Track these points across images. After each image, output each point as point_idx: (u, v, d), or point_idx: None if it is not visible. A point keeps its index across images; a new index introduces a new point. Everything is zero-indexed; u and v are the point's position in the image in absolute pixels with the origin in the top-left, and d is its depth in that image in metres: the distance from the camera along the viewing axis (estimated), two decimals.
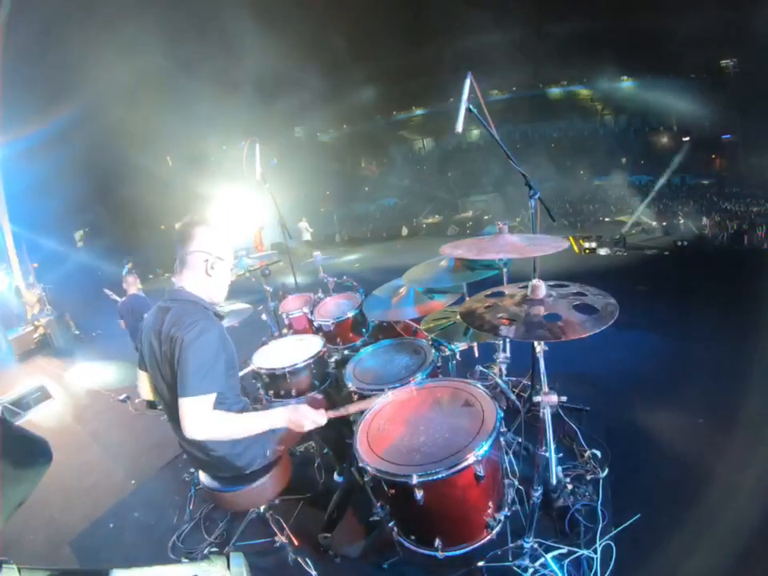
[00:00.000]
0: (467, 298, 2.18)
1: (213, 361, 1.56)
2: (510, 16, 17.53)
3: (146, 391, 1.86)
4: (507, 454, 1.86)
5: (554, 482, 2.06)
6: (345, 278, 3.70)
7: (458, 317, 2.41)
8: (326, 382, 2.64)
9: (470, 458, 1.48)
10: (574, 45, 18.19)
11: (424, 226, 16.43)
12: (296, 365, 2.48)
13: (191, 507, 2.54)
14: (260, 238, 12.95)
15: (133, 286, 4.75)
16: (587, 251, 8.58)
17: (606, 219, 13.84)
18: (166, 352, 1.59)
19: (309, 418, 1.68)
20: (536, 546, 1.76)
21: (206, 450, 1.70)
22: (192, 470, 2.65)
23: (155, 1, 11.95)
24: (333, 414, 1.77)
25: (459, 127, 1.90)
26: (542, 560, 1.74)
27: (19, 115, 9.49)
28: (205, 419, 1.52)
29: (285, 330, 3.47)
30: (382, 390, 2.02)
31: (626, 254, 8.33)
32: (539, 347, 1.81)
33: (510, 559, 1.76)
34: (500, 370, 2.36)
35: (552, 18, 18.74)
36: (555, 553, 1.79)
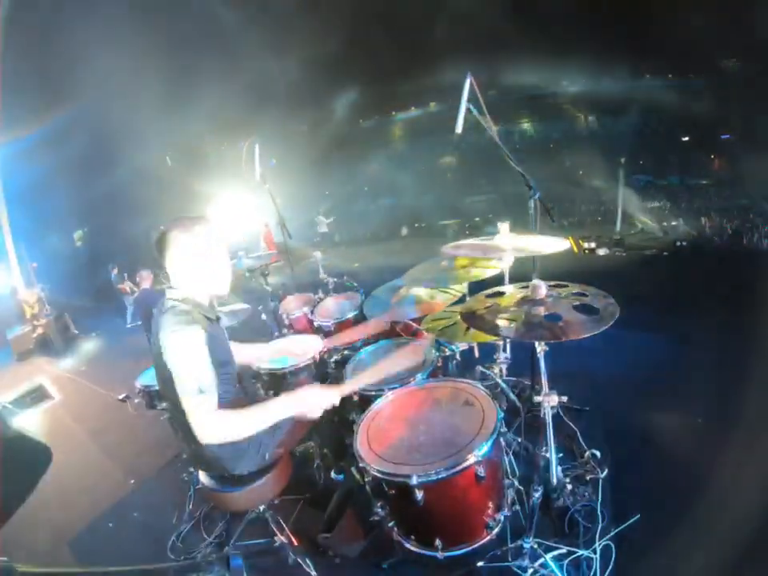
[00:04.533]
0: (468, 298, 2.18)
1: (198, 361, 1.51)
2: (513, 15, 17.56)
3: None
4: (507, 454, 1.86)
5: (554, 482, 2.06)
6: (345, 277, 3.70)
7: (459, 317, 2.41)
8: (325, 382, 2.64)
9: (471, 458, 1.48)
10: (574, 43, 18.20)
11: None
12: (296, 365, 2.48)
13: (190, 507, 2.54)
14: (270, 236, 12.63)
15: (146, 280, 4.84)
16: (586, 251, 8.59)
17: (604, 219, 13.85)
18: (160, 355, 1.59)
19: (319, 404, 1.62)
20: (535, 546, 1.76)
21: (205, 450, 1.70)
22: (191, 469, 2.65)
23: (155, 1, 11.94)
24: (347, 388, 1.75)
25: (459, 128, 1.90)
26: (541, 560, 1.74)
27: (18, 115, 9.47)
28: (209, 419, 1.47)
29: (285, 330, 3.47)
30: (382, 390, 2.02)
31: (625, 254, 8.34)
32: (540, 347, 1.82)
33: (510, 559, 1.76)
34: (500, 370, 2.36)
35: (552, 16, 18.74)
36: (555, 553, 1.79)
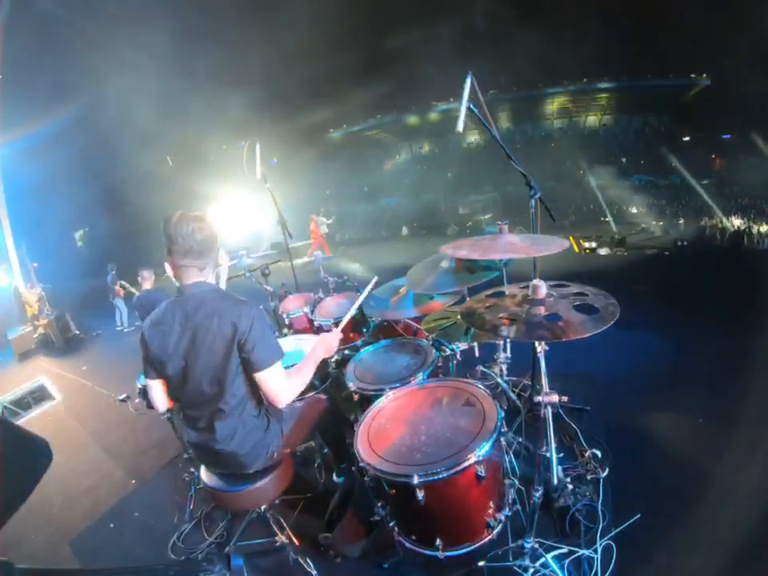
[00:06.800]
0: (468, 298, 2.17)
1: (271, 329, 1.69)
2: (515, 15, 17.61)
3: (162, 402, 1.78)
4: (508, 453, 1.86)
5: (555, 481, 2.06)
6: (345, 277, 3.70)
7: (459, 317, 2.41)
8: (326, 382, 2.64)
9: (472, 458, 1.47)
10: (574, 45, 18.21)
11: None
12: (296, 365, 2.48)
13: (191, 507, 2.54)
14: (317, 229, 11.30)
15: (147, 280, 4.78)
16: (587, 251, 8.59)
17: (606, 219, 13.87)
18: (214, 339, 1.55)
19: (333, 343, 1.91)
20: (536, 545, 1.76)
21: (225, 448, 1.70)
22: (192, 469, 2.65)
23: (156, 1, 11.95)
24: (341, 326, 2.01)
25: (460, 127, 1.90)
26: (542, 560, 1.74)
27: (20, 115, 9.48)
28: (287, 381, 1.66)
29: (285, 330, 3.47)
30: (383, 389, 2.02)
31: (626, 253, 8.34)
32: (540, 347, 1.81)
33: (511, 559, 1.76)
34: (501, 369, 2.36)
35: (553, 17, 18.77)
36: (556, 553, 1.79)
